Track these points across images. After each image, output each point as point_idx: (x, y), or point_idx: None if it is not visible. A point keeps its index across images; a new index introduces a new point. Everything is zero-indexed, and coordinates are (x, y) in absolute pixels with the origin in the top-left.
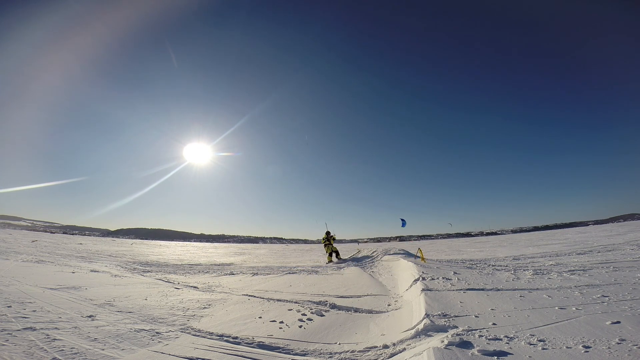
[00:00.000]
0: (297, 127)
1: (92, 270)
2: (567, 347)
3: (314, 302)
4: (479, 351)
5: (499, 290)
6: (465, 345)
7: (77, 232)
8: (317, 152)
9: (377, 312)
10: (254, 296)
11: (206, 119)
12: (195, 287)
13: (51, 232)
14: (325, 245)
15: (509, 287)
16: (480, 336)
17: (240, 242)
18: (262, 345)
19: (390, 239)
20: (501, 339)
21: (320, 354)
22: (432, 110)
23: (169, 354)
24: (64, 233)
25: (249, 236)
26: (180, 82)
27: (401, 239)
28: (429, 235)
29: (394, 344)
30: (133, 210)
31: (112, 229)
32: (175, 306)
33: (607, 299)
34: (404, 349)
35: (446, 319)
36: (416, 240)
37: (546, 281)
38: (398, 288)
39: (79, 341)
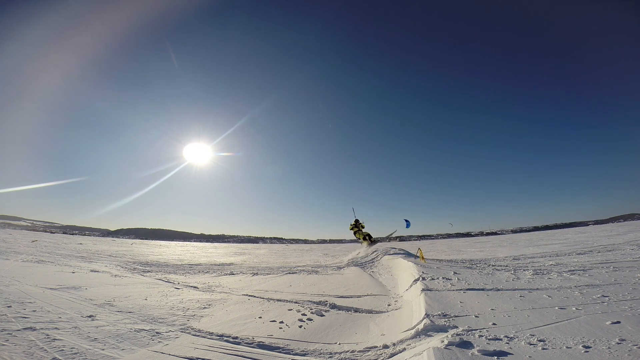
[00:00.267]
0: (297, 127)
1: (92, 270)
2: (567, 347)
3: (314, 302)
4: (479, 351)
5: (499, 290)
6: (465, 345)
7: (77, 232)
8: (317, 152)
9: (377, 312)
10: (254, 296)
11: (206, 119)
12: (195, 287)
13: (51, 232)
14: (355, 233)
15: (509, 287)
16: (480, 336)
17: (240, 242)
18: (262, 345)
19: (390, 239)
20: (501, 339)
21: (320, 354)
22: (432, 110)
23: (169, 354)
24: (64, 233)
25: (249, 236)
26: (180, 82)
27: (401, 239)
28: (429, 235)
29: (394, 344)
30: (133, 210)
31: (112, 229)
32: (175, 306)
33: (607, 299)
34: (404, 349)
35: (446, 319)
36: (416, 240)
37: (546, 281)
38: (398, 288)
39: (79, 341)
